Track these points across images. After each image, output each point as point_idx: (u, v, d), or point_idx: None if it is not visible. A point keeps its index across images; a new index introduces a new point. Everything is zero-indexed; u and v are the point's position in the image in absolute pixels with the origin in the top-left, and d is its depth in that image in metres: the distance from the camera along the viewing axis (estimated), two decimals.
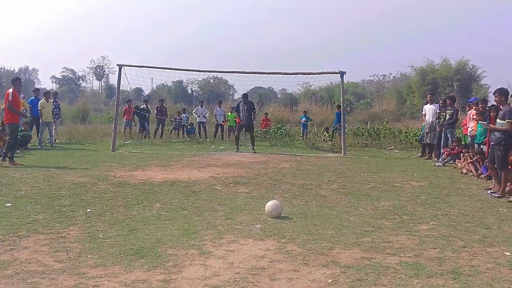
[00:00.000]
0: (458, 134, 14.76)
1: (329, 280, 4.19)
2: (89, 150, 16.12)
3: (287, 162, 13.41)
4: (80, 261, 4.60)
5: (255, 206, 7.26)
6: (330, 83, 42.30)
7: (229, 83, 75.60)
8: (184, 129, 23.26)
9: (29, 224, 5.96)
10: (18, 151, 13.72)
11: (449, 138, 13.93)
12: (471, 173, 11.27)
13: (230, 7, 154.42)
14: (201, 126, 22.99)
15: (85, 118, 34.13)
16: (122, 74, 17.04)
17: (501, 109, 8.92)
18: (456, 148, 13.19)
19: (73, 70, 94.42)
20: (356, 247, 5.24)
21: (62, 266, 4.46)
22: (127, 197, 7.79)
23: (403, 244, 5.39)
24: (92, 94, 78.29)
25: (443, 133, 14.10)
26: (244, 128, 17.67)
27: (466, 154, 12.19)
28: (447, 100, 14.83)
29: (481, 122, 10.67)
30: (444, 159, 13.45)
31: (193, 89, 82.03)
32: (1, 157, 11.67)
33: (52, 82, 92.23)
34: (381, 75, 74.49)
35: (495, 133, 8.81)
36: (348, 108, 42.05)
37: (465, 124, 13.90)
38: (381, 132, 21.38)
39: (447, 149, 13.60)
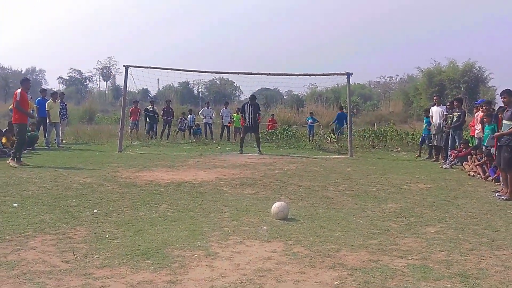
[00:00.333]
0: (465, 136, 14.68)
1: (336, 283, 4.17)
2: (95, 151, 16.17)
3: (294, 164, 13.38)
4: (86, 262, 4.60)
5: (261, 207, 7.24)
6: (337, 84, 42.17)
7: (235, 84, 75.79)
8: (191, 130, 23.28)
9: (36, 224, 5.97)
10: (26, 152, 13.77)
11: (457, 140, 13.85)
12: (478, 176, 11.21)
13: (236, 9, 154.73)
14: (208, 127, 23.00)
15: (92, 119, 34.27)
16: (129, 75, 17.08)
17: (507, 110, 8.87)
18: (464, 150, 13.12)
19: (79, 71, 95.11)
20: (363, 249, 5.21)
21: (68, 266, 4.46)
22: (134, 198, 7.79)
23: (410, 246, 5.36)
24: (98, 95, 78.65)
25: (450, 135, 14.02)
26: (250, 130, 17.64)
27: (474, 156, 12.12)
28: (455, 102, 14.74)
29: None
30: (452, 161, 13.38)
31: (199, 90, 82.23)
32: (10, 157, 11.70)
33: (59, 83, 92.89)
34: (388, 77, 74.60)
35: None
36: (355, 110, 42.00)
37: (473, 126, 13.83)
38: (388, 134, 21.32)
39: (455, 151, 13.53)
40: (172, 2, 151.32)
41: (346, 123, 21.95)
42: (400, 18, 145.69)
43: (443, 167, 13.30)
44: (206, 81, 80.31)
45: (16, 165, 11.29)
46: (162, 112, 22.33)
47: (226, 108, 23.74)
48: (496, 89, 42.33)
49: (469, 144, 13.47)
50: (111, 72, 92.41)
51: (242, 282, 4.15)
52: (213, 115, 23.89)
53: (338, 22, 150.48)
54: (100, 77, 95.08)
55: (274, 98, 57.37)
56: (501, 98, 9.17)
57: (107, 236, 5.52)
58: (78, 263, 4.55)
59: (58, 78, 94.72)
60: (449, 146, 14.06)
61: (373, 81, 78.08)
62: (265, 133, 22.32)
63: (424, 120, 16.56)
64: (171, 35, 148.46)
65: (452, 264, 4.74)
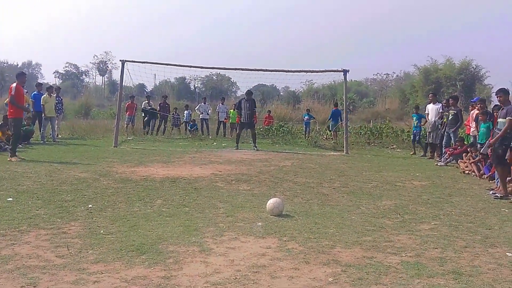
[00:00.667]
0: (461, 134, 14.73)
1: (330, 279, 4.18)
2: (91, 146, 16.14)
3: (289, 160, 13.40)
4: (81, 257, 4.60)
5: (256, 203, 7.25)
6: (333, 81, 42.37)
7: (232, 80, 75.70)
8: (187, 125, 23.26)
9: (30, 219, 5.96)
10: (21, 146, 13.73)
11: (452, 138, 13.89)
12: (473, 173, 11.25)
13: (233, 6, 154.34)
14: (204, 122, 22.98)
15: (88, 114, 34.17)
16: (125, 70, 17.05)
17: (503, 108, 8.90)
18: (459, 148, 13.16)
19: (76, 65, 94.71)
20: (357, 246, 5.23)
21: (63, 261, 4.46)
22: (129, 193, 7.78)
23: (404, 243, 5.38)
24: (95, 89, 78.49)
25: (446, 133, 14.06)
26: (245, 126, 17.62)
27: (469, 154, 12.15)
28: (450, 100, 14.79)
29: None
30: (447, 159, 13.42)
31: (196, 85, 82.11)
32: (9, 154, 11.60)
33: (55, 77, 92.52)
34: (384, 74, 74.60)
35: (498, 132, 8.78)
36: (351, 107, 42.04)
37: (468, 124, 13.87)
38: (384, 131, 21.39)
39: (450, 149, 13.57)
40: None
41: (341, 120, 22.06)
42: (397, 16, 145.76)
43: (438, 164, 13.35)
44: (202, 76, 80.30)
45: (14, 160, 11.21)
46: (158, 107, 22.28)
47: (222, 104, 23.69)
48: (492, 87, 42.46)
49: (464, 142, 13.52)
50: (107, 66, 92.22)
51: (236, 278, 4.16)
52: (209, 111, 23.86)
53: (335, 20, 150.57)
54: (97, 71, 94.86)
55: (271, 94, 57.45)
56: (497, 97, 9.20)
57: (102, 231, 5.51)
58: (73, 258, 4.54)
59: (54, 72, 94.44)
60: (443, 143, 14.10)
61: (369, 78, 78.14)
62: (261, 129, 22.33)
63: (414, 117, 16.64)
64: (168, 30, 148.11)
65: (445, 261, 4.76)
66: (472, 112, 13.53)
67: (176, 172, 10.24)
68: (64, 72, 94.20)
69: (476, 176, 11.01)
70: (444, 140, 14.11)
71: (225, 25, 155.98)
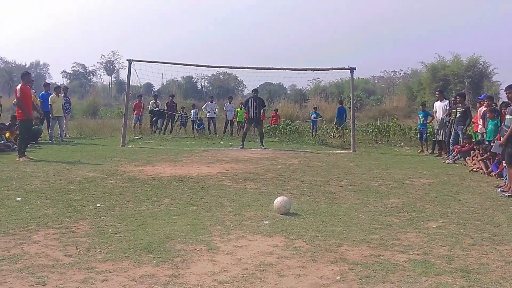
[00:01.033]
0: (468, 131, 14.65)
1: (337, 277, 4.18)
2: (99, 145, 16.21)
3: (296, 159, 13.39)
4: (89, 256, 4.63)
5: (263, 202, 7.26)
6: (340, 79, 42.11)
7: (238, 78, 75.56)
8: (194, 124, 23.29)
9: (39, 218, 6.00)
10: (29, 146, 13.79)
11: (460, 135, 13.82)
12: (481, 171, 11.19)
13: (240, 5, 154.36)
14: (211, 121, 22.98)
15: (95, 113, 34.31)
16: (132, 69, 17.10)
17: (511, 105, 8.84)
18: (467, 145, 13.09)
19: (83, 65, 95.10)
20: (364, 244, 5.23)
21: (71, 260, 4.49)
22: (137, 192, 7.82)
23: (412, 241, 5.37)
24: (102, 89, 78.81)
25: (453, 130, 13.99)
26: (253, 123, 17.59)
27: (477, 151, 12.09)
28: (457, 97, 14.71)
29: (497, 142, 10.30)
30: (455, 156, 13.35)
31: (202, 84, 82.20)
32: (18, 155, 11.64)
33: (62, 77, 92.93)
34: (391, 72, 74.25)
35: (507, 129, 8.72)
36: (358, 105, 41.91)
37: (476, 122, 13.79)
38: (391, 128, 21.28)
39: (458, 146, 13.50)
40: None
41: (346, 117, 22.13)
42: (405, 13, 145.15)
43: (446, 162, 13.29)
44: (209, 75, 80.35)
45: (23, 160, 11.26)
46: (165, 106, 22.32)
47: (230, 103, 23.65)
48: (500, 84, 42.14)
49: (472, 140, 13.43)
50: (114, 66, 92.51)
51: (243, 276, 4.17)
52: (216, 110, 23.85)
53: (342, 17, 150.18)
54: (104, 71, 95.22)
55: (278, 93, 57.26)
56: (506, 93, 9.14)
57: (110, 230, 5.54)
58: (81, 257, 4.58)
59: (62, 72, 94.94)
60: (451, 141, 14.03)
61: (377, 75, 77.73)
62: (268, 127, 22.31)
63: (420, 115, 16.56)
64: (175, 30, 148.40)
65: (453, 259, 4.75)
66: (479, 109, 13.45)
67: (184, 171, 10.27)
68: (71, 72, 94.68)
69: (484, 173, 10.95)
70: (452, 138, 14.04)
71: (232, 24, 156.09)
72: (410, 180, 9.90)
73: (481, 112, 12.99)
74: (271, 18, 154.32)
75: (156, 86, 62.33)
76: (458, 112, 13.91)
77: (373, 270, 4.36)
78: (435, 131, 15.24)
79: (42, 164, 10.85)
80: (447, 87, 40.38)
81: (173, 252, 4.79)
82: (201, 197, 7.60)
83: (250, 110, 16.69)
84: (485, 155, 11.37)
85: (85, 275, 4.12)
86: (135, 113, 21.59)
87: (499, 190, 8.78)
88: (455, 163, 13.05)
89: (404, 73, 68.77)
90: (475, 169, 11.46)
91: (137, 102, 22.03)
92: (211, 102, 23.90)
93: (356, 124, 19.30)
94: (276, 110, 26.68)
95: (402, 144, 19.07)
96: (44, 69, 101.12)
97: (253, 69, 18.48)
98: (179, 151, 14.69)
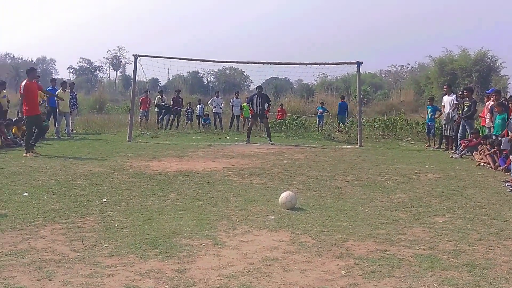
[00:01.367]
0: (476, 125, 14.57)
1: (343, 272, 4.18)
2: (105, 141, 16.26)
3: (302, 154, 13.37)
4: (95, 251, 4.65)
5: (269, 197, 7.26)
6: (347, 73, 42.05)
7: (244, 73, 75.49)
8: (200, 119, 23.32)
9: (45, 213, 6.04)
10: (40, 140, 13.78)
11: (467, 129, 13.75)
12: (488, 165, 11.13)
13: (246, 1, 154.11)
14: (217, 117, 22.98)
15: (102, 109, 34.36)
16: (138, 65, 17.11)
17: None
18: (474, 140, 13.02)
19: (90, 60, 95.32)
20: (370, 239, 5.22)
21: (78, 255, 4.51)
22: (143, 187, 7.84)
23: (418, 236, 5.35)
24: (109, 84, 78.94)
25: (461, 125, 13.91)
26: (258, 118, 17.58)
27: (484, 145, 12.02)
28: (465, 91, 14.62)
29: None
30: (462, 151, 13.29)
31: (208, 79, 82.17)
32: (25, 151, 11.68)
33: (69, 73, 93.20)
34: (399, 66, 73.91)
35: None
36: (365, 99, 41.76)
37: (483, 116, 13.71)
38: (398, 123, 21.18)
39: (465, 141, 13.43)
40: None
41: (347, 113, 22.25)
42: (412, 6, 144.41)
43: (453, 157, 13.23)
44: (215, 70, 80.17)
45: (30, 155, 11.30)
46: (172, 101, 22.34)
47: (236, 97, 23.64)
48: (508, 78, 41.98)
49: (480, 134, 13.36)
50: (121, 61, 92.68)
51: (249, 271, 4.18)
52: (222, 105, 23.84)
53: (349, 11, 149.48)
54: (110, 66, 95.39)
55: (284, 88, 57.18)
56: None
57: (116, 225, 5.57)
58: (87, 252, 4.60)
59: (68, 68, 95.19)
60: (459, 135, 13.96)
61: (384, 70, 77.43)
62: (274, 122, 22.29)
63: (428, 109, 16.46)
64: (182, 25, 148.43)
65: (459, 254, 4.73)
66: (487, 103, 13.37)
67: (190, 166, 10.28)
68: (78, 67, 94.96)
69: (491, 168, 10.89)
70: (459, 132, 13.96)
71: (238, 19, 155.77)
72: (417, 175, 9.86)
73: (489, 107, 12.91)
74: (278, 12, 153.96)
75: (162, 81, 62.38)
76: (465, 106, 13.84)
77: (379, 265, 4.35)
78: (442, 125, 15.16)
79: (49, 159, 10.90)
80: (454, 81, 40.14)
81: (179, 246, 4.80)
82: (207, 192, 7.61)
83: (255, 106, 16.70)
84: (493, 150, 11.31)
85: (92, 269, 4.14)
86: (141, 108, 21.65)
87: (506, 184, 8.73)
88: (462, 157, 12.99)
89: (412, 67, 68.52)
90: (482, 164, 11.40)
91: (144, 97, 22.08)
92: (217, 97, 23.90)
93: (362, 119, 19.24)
94: (282, 105, 26.63)
95: (409, 138, 18.99)
96: (51, 65, 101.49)
97: (259, 63, 18.46)
98: (185, 146, 14.72)
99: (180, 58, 17.82)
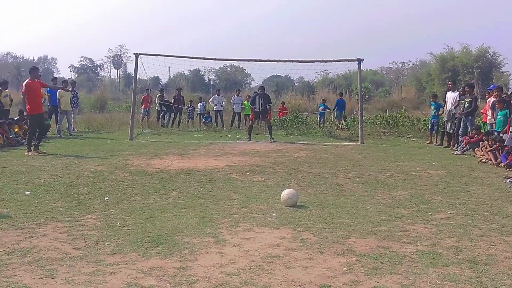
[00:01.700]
0: (477, 122, 14.55)
1: (344, 269, 4.19)
2: (107, 139, 16.28)
3: (304, 151, 13.37)
4: (97, 249, 4.66)
5: (271, 194, 7.27)
6: (348, 70, 41.63)
7: (246, 71, 75.36)
8: (201, 117, 23.32)
9: (48, 212, 6.05)
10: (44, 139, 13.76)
11: (469, 126, 13.73)
12: (490, 162, 11.12)
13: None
14: (218, 114, 22.98)
15: (103, 107, 34.36)
16: (139, 63, 17.12)
17: None
18: (476, 136, 13.00)
19: (91, 59, 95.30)
20: (372, 235, 5.22)
21: (80, 253, 4.53)
22: (144, 186, 7.85)
23: (419, 233, 5.36)
24: (110, 83, 78.97)
25: (462, 121, 13.89)
26: (260, 116, 17.59)
27: (486, 142, 12.00)
28: (466, 88, 14.59)
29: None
30: (463, 147, 13.27)
31: (210, 77, 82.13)
32: (27, 149, 11.69)
33: (70, 71, 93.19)
34: (400, 63, 73.82)
35: None
36: (367, 96, 41.71)
37: (485, 112, 13.69)
38: (400, 120, 21.15)
39: (466, 137, 13.42)
40: None
41: (345, 110, 22.39)
42: (413, 3, 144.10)
43: (455, 153, 13.21)
44: (216, 68, 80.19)
45: (31, 154, 11.32)
46: (173, 100, 22.35)
47: (238, 95, 23.65)
48: (509, 75, 41.82)
49: (481, 130, 13.34)
50: (122, 60, 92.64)
51: (251, 268, 4.18)
52: (223, 103, 23.83)
53: (350, 8, 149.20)
54: (111, 65, 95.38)
55: (285, 85, 57.08)
56: None
57: (118, 223, 5.58)
58: (89, 250, 4.61)
59: (69, 67, 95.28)
60: (460, 132, 13.94)
61: (385, 67, 77.34)
62: (275, 120, 22.28)
63: (432, 106, 16.43)
64: (183, 25, 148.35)
65: (461, 250, 4.73)
66: (488, 99, 13.35)
67: (191, 164, 10.29)
68: (79, 66, 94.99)
69: (493, 164, 10.88)
70: (460, 129, 13.94)
71: (239, 19, 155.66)
72: (418, 171, 9.86)
73: (490, 103, 12.89)
74: (278, 12, 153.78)
75: (164, 80, 62.38)
76: (466, 103, 13.82)
77: (381, 262, 4.36)
78: (444, 122, 15.14)
79: (51, 158, 10.92)
80: (456, 78, 40.01)
81: (181, 244, 4.81)
82: (209, 190, 7.62)
83: (256, 105, 16.73)
84: (494, 146, 11.30)
85: (94, 267, 4.15)
86: (143, 106, 21.67)
87: (508, 181, 8.72)
88: (463, 154, 12.98)
89: (413, 64, 68.31)
90: (484, 160, 11.39)
91: (145, 95, 22.10)
92: (218, 95, 23.91)
93: (364, 116, 19.22)
94: (283, 103, 26.61)
95: (410, 135, 18.98)
96: (52, 64, 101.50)
97: (260, 61, 18.44)
98: (186, 144, 14.73)
99: (181, 56, 17.86)
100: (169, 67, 22.82)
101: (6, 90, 15.58)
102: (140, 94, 22.44)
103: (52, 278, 3.91)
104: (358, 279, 3.96)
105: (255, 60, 18.48)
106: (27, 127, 13.71)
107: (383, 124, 21.20)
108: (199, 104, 23.94)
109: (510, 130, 10.43)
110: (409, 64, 71.08)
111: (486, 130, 13.00)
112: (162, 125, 21.42)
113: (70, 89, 16.98)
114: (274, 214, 6.10)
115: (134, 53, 17.29)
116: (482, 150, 11.96)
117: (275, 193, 7.15)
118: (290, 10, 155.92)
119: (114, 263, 4.26)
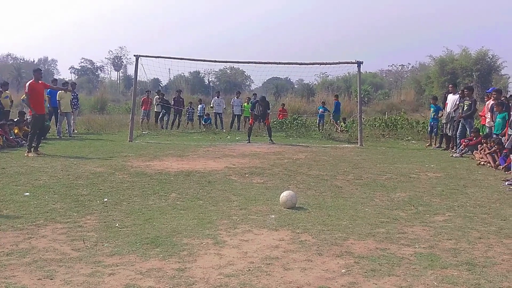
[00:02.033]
0: (476, 124, 14.57)
1: (343, 270, 4.20)
2: (107, 141, 16.27)
3: (303, 153, 13.38)
4: (96, 250, 4.67)
5: (270, 196, 7.28)
6: (348, 73, 42.03)
7: (246, 73, 75.53)
8: (201, 119, 23.33)
9: (47, 213, 6.06)
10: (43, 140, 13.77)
11: (467, 128, 13.75)
12: (488, 164, 11.14)
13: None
14: (218, 116, 22.98)
15: (103, 109, 34.32)
16: (139, 65, 17.12)
17: None
18: (474, 139, 13.02)
19: (91, 60, 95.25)
20: (370, 237, 5.23)
21: (79, 254, 4.53)
22: (144, 187, 7.86)
23: (418, 235, 5.37)
24: (110, 84, 78.92)
25: (461, 124, 13.91)
26: (260, 118, 17.65)
27: (484, 144, 12.02)
28: (465, 90, 14.59)
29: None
30: (462, 150, 13.29)
31: (210, 79, 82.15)
32: (27, 150, 11.71)
33: (70, 73, 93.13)
34: (399, 65, 73.94)
35: None
36: (366, 99, 41.74)
37: (484, 115, 13.71)
38: (399, 122, 21.17)
39: (465, 140, 13.44)
40: None
41: (340, 112, 22.66)
42: (412, 6, 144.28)
43: (453, 156, 13.23)
44: (216, 70, 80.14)
45: (31, 155, 11.33)
46: (172, 101, 22.35)
47: (237, 97, 23.64)
48: (509, 78, 41.87)
49: (480, 133, 13.36)
50: (122, 61, 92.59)
51: (249, 269, 4.20)
52: (223, 105, 23.79)
53: (349, 11, 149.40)
54: (112, 66, 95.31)
55: (285, 87, 57.21)
56: None
57: (117, 225, 5.59)
58: (88, 251, 4.62)
59: (70, 68, 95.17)
60: (457, 134, 13.95)
61: (384, 69, 77.45)
62: (275, 122, 22.29)
63: (432, 108, 16.42)
64: (183, 26, 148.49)
65: (459, 252, 4.75)
66: (487, 102, 13.36)
67: (190, 166, 10.30)
68: (79, 67, 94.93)
69: (492, 167, 10.90)
70: (459, 131, 13.96)
71: (239, 20, 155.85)
72: (417, 174, 9.87)
73: (489, 106, 12.91)
74: (278, 12, 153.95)
75: (164, 82, 62.44)
76: (465, 105, 13.84)
77: (379, 264, 4.37)
78: (443, 124, 15.15)
79: (50, 159, 10.93)
80: (455, 80, 40.05)
81: (179, 246, 4.82)
82: (208, 191, 7.63)
83: (256, 110, 16.95)
84: (493, 149, 11.32)
85: (93, 268, 4.16)
86: (142, 108, 21.67)
87: (506, 183, 8.74)
88: (462, 156, 13.00)
89: (412, 66, 68.49)
90: (482, 163, 11.41)
91: (145, 97, 22.10)
92: (218, 97, 23.91)
93: (363, 118, 19.23)
94: (283, 105, 26.63)
95: (409, 138, 18.99)
96: (52, 65, 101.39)
97: (260, 63, 18.48)
98: (186, 146, 14.74)
99: (181, 58, 17.83)
100: (169, 69, 22.89)
101: (7, 92, 15.59)
102: (140, 95, 22.44)
103: (51, 279, 3.91)
104: (356, 281, 3.98)
105: (255, 62, 18.52)
106: (27, 128, 13.74)
107: (382, 126, 21.22)
108: (199, 106, 23.94)
109: (509, 132, 10.44)
110: (409, 66, 71.31)
111: (484, 133, 13.02)
112: (161, 127, 21.43)
113: (64, 97, 16.94)
114: (273, 216, 6.11)
115: (134, 55, 17.29)
116: (480, 153, 11.98)
117: (274, 195, 7.16)
118: (290, 12, 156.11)
119: (112, 264, 4.26)
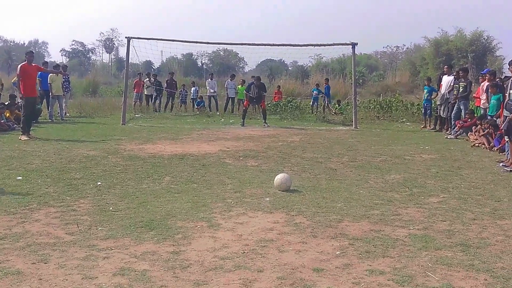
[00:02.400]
0: (471, 106, 14.56)
1: (337, 252, 4.20)
2: (99, 124, 16.17)
3: (297, 136, 13.37)
4: (90, 233, 4.65)
5: (264, 179, 7.26)
6: (342, 54, 41.72)
7: (239, 55, 75.05)
8: (194, 102, 23.19)
9: (40, 197, 6.02)
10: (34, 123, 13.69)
11: (462, 110, 13.75)
12: (483, 146, 11.16)
13: None
14: (211, 99, 22.82)
15: (95, 92, 34.01)
16: (131, 47, 16.96)
17: None
18: (469, 120, 13.03)
19: (82, 43, 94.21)
20: (365, 219, 5.24)
21: (72, 238, 4.51)
22: (137, 171, 7.82)
23: (412, 216, 5.38)
24: (102, 67, 78.21)
25: (456, 106, 13.90)
26: (254, 102, 17.53)
27: (479, 126, 12.04)
28: (460, 72, 14.56)
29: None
30: (457, 131, 13.31)
31: (203, 62, 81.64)
32: (21, 133, 11.63)
33: (62, 55, 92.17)
34: (394, 47, 73.53)
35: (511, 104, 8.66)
36: (361, 80, 41.65)
37: (478, 97, 13.69)
38: (393, 104, 21.14)
39: (460, 122, 13.45)
40: None
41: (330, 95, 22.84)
42: None
43: (448, 137, 13.25)
44: (209, 52, 79.54)
45: (24, 139, 11.25)
46: (165, 84, 22.18)
47: (231, 80, 23.46)
48: (504, 59, 41.67)
49: (475, 114, 13.37)
50: (114, 44, 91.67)
51: (244, 252, 4.19)
52: (216, 88, 23.59)
53: None
54: (103, 49, 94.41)
55: (279, 70, 56.89)
56: (509, 68, 9.07)
57: (111, 208, 5.56)
58: (82, 235, 4.60)
59: (61, 51, 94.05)
60: (452, 115, 13.95)
61: (379, 51, 76.95)
62: (269, 105, 22.20)
63: (425, 90, 16.39)
64: (175, 6, 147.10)
65: (453, 233, 4.76)
66: (482, 83, 13.34)
67: (184, 149, 10.26)
68: (70, 50, 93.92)
69: (486, 148, 10.93)
70: (453, 113, 13.95)
71: (233, 1, 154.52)
72: (412, 155, 9.88)
73: (484, 87, 12.89)
74: None
75: (156, 64, 61.93)
76: (460, 87, 13.82)
77: (373, 245, 4.38)
78: (437, 106, 15.14)
79: (43, 143, 10.85)
80: (450, 62, 39.97)
81: (174, 229, 4.81)
82: (202, 174, 7.61)
83: (251, 92, 16.66)
84: (487, 130, 11.33)
85: (87, 252, 4.14)
86: (135, 91, 21.49)
87: (501, 165, 8.76)
88: (457, 138, 13.02)
89: (407, 48, 68.09)
90: (477, 144, 11.43)
91: (137, 80, 21.92)
92: (211, 80, 23.75)
93: (358, 100, 19.19)
94: (279, 86, 26.53)
95: (404, 120, 18.99)
96: (43, 48, 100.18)
97: (254, 45, 18.31)
98: (179, 129, 14.67)
99: (173, 40, 17.69)
100: (162, 51, 22.74)
101: None
102: (132, 78, 22.25)
103: (45, 263, 3.89)
104: (351, 262, 3.98)
105: (249, 44, 18.36)
106: (18, 112, 13.63)
107: (377, 108, 21.18)
108: (192, 88, 23.77)
109: (504, 114, 10.43)
110: (403, 48, 70.89)
111: (479, 114, 13.02)
112: (154, 110, 21.30)
113: (55, 80, 16.76)
114: (268, 199, 6.10)
115: (126, 37, 17.10)
116: (475, 134, 12.00)
117: (269, 178, 7.14)
118: None
119: (107, 248, 4.25)
